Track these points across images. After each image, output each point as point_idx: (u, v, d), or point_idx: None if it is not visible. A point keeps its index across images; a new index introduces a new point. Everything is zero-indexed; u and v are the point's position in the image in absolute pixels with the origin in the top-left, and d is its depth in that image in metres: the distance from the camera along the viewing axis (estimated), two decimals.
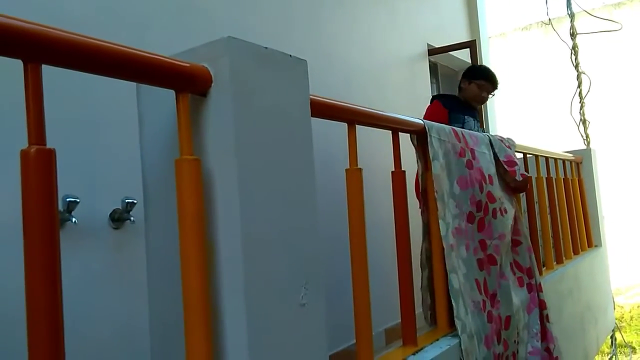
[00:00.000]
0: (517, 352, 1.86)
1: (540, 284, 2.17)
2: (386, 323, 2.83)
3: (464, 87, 2.88)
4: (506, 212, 1.97)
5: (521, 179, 2.07)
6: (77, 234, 1.63)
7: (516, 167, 2.07)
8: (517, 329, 1.87)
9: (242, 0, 2.44)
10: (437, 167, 1.66)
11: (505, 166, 2.04)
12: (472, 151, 1.87)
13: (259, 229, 0.88)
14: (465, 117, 2.75)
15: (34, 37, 0.66)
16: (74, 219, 1.58)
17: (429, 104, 2.93)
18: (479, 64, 3.15)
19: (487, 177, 1.91)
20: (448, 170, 1.73)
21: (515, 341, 1.85)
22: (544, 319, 2.12)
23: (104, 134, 1.77)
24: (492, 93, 2.88)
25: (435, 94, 4.09)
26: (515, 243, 2.13)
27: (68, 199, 1.56)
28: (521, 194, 2.29)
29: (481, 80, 2.82)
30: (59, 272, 0.65)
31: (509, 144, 2.17)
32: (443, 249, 1.64)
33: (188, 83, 0.86)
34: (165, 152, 0.96)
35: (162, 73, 0.83)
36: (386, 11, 3.63)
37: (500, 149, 2.08)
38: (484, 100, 2.88)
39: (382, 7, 3.58)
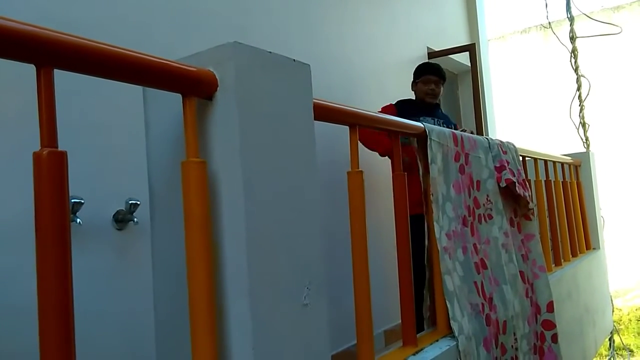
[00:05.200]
0: (517, 357, 1.85)
1: (551, 302, 2.18)
2: (385, 325, 2.84)
3: (414, 91, 2.93)
4: (491, 218, 1.96)
5: (505, 184, 2.03)
6: (81, 235, 1.64)
7: (503, 173, 2.04)
8: (515, 335, 1.87)
9: (242, 3, 2.46)
10: (435, 170, 1.68)
11: (495, 172, 2.03)
12: (467, 155, 1.88)
13: (264, 230, 0.90)
14: (420, 119, 2.70)
15: (47, 43, 0.67)
16: (78, 220, 1.60)
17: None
18: (424, 62, 3.28)
19: (475, 182, 1.91)
20: (445, 174, 1.74)
21: (512, 346, 1.84)
22: (547, 338, 2.14)
23: (108, 135, 1.79)
24: (441, 82, 2.87)
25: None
26: (524, 257, 2.16)
27: (72, 200, 1.57)
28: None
29: (422, 76, 2.85)
30: (70, 272, 0.67)
31: (506, 149, 2.17)
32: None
33: (194, 87, 0.88)
34: (170, 154, 0.98)
35: (169, 77, 0.85)
36: (386, 14, 3.65)
37: (496, 154, 2.08)
38: (435, 92, 2.86)
39: (382, 10, 3.60)
